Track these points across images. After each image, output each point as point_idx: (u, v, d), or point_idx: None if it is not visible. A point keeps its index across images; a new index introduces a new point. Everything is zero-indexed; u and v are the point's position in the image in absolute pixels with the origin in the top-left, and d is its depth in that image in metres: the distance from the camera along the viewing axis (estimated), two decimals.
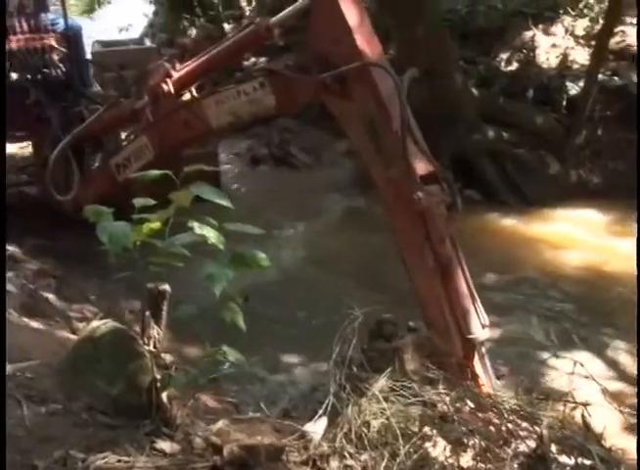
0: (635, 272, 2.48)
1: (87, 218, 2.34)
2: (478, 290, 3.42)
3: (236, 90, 4.28)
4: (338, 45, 3.61)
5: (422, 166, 3.43)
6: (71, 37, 5.95)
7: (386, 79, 3.48)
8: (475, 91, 8.11)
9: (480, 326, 3.40)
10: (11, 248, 5.25)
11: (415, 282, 3.54)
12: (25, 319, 3.59)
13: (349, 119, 3.70)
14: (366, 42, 3.59)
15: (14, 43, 5.83)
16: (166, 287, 2.80)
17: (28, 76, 5.85)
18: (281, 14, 4.21)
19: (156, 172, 2.43)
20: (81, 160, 5.77)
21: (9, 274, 4.30)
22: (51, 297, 4.40)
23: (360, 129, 3.60)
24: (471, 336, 3.37)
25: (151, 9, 12.33)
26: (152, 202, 2.33)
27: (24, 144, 6.90)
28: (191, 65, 4.82)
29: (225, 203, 2.31)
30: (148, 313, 2.77)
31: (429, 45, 7.38)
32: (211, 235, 2.31)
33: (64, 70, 5.93)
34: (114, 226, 2.28)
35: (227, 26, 10.46)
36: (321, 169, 8.45)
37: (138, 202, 2.34)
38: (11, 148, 6.78)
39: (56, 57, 5.91)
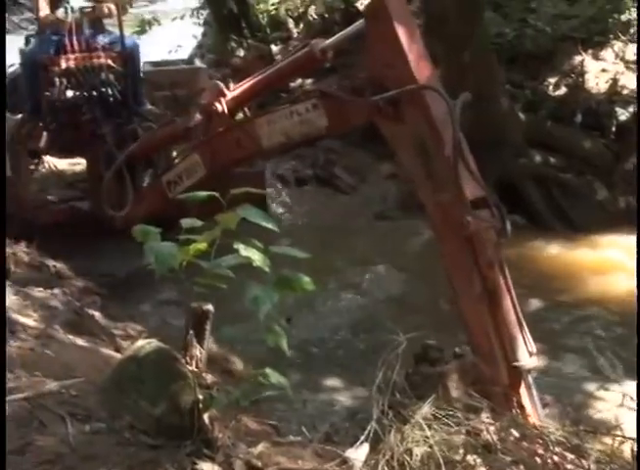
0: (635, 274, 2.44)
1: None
2: (523, 317, 3.37)
3: (289, 111, 4.32)
4: (392, 68, 3.63)
5: (472, 191, 3.40)
6: (128, 56, 6.05)
7: (439, 103, 3.47)
8: (522, 115, 8.05)
9: (528, 354, 3.34)
10: (57, 264, 5.31)
11: (462, 307, 3.51)
12: (71, 336, 3.61)
13: (401, 142, 3.69)
14: (420, 65, 3.60)
15: (71, 61, 5.92)
16: (210, 307, 2.80)
17: (85, 94, 5.93)
18: (335, 36, 4.25)
19: (203, 193, 2.44)
20: (134, 177, 5.84)
21: (55, 291, 4.36)
22: (96, 314, 4.44)
23: (411, 152, 3.59)
24: (518, 364, 3.31)
25: (200, 30, 12.47)
26: (199, 223, 2.35)
27: (74, 161, 6.98)
28: (245, 84, 4.88)
29: (271, 226, 2.32)
30: (191, 333, 2.77)
31: (476, 69, 7.35)
32: (257, 257, 2.31)
33: (119, 88, 6.01)
34: (161, 246, 2.29)
35: (275, 48, 10.55)
36: (365, 191, 8.44)
37: (185, 222, 2.36)
38: (60, 164, 6.87)
39: (112, 75, 6.00)
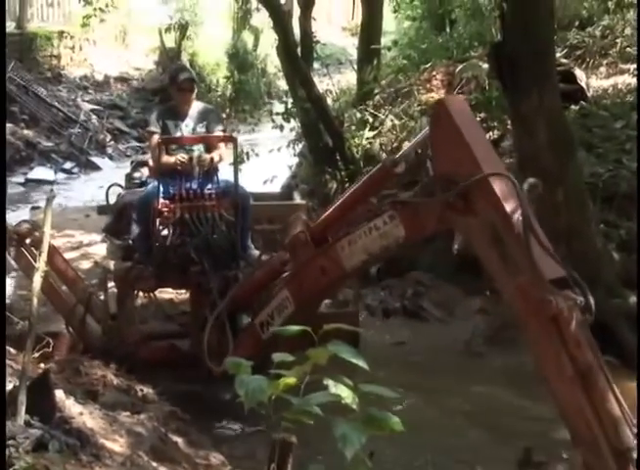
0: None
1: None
2: None
3: (367, 227, 4.43)
4: (459, 164, 3.74)
5: (551, 271, 3.36)
6: (240, 205, 6.01)
7: (507, 188, 3.54)
8: (616, 255, 7.91)
9: (632, 436, 3.17)
10: (144, 388, 5.36)
11: (555, 394, 3.38)
12: (154, 464, 3.60)
13: (475, 235, 3.75)
14: (486, 158, 3.69)
15: (185, 209, 5.98)
16: (293, 439, 2.77)
17: (194, 245, 5.90)
18: (405, 148, 4.39)
19: (295, 328, 2.46)
20: (235, 324, 5.83)
21: (142, 416, 4.38)
22: (180, 441, 4.43)
23: (485, 242, 3.63)
24: (626, 446, 3.13)
25: (294, 160, 12.84)
26: (290, 358, 2.36)
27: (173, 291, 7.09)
28: (327, 211, 4.97)
29: (362, 364, 2.31)
30: (273, 466, 2.73)
31: (569, 207, 7.32)
32: (346, 395, 2.29)
33: (229, 238, 5.97)
34: (251, 380, 2.30)
35: None
36: (453, 326, 8.32)
37: (277, 356, 2.37)
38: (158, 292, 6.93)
39: (224, 225, 5.98)
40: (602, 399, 3.23)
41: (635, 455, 3.16)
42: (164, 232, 6.03)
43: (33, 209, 12.56)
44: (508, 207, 3.50)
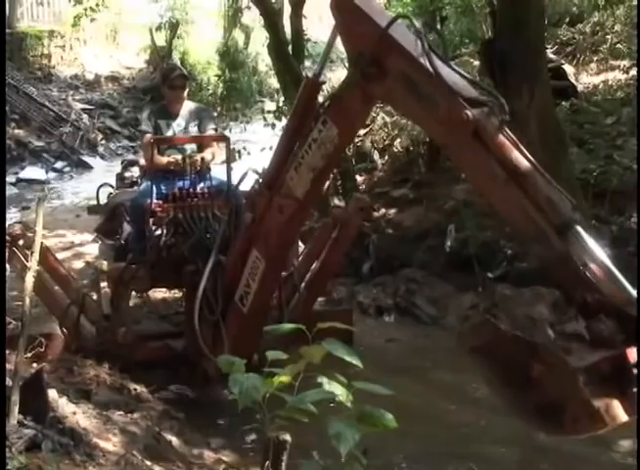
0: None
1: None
2: None
3: (307, 144, 4.53)
4: (365, 37, 4.00)
5: (464, 91, 3.58)
6: (233, 204, 5.90)
7: (407, 37, 3.81)
8: (607, 251, 7.92)
9: (571, 207, 3.34)
10: (138, 387, 5.35)
11: (496, 203, 3.56)
12: (148, 462, 3.60)
13: (393, 92, 3.93)
14: (383, 19, 3.98)
15: (178, 209, 5.96)
16: (287, 437, 2.77)
17: (188, 244, 5.88)
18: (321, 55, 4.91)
19: (288, 326, 2.47)
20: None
21: (135, 415, 4.38)
22: (174, 440, 4.42)
23: (402, 93, 3.81)
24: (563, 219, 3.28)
25: None
26: (284, 356, 2.36)
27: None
28: (273, 155, 5.18)
29: (355, 361, 2.32)
30: (267, 464, 2.73)
31: None
32: (340, 392, 2.30)
33: (223, 237, 5.81)
34: (245, 378, 2.30)
35: (359, 178, 10.74)
36: (446, 322, 8.32)
37: (271, 354, 2.37)
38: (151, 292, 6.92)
39: (217, 225, 5.91)
40: (535, 186, 3.36)
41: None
42: (158, 232, 6.03)
43: (24, 209, 12.53)
44: (411, 49, 3.73)
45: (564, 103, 10.00)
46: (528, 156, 3.46)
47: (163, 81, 6.70)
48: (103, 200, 7.12)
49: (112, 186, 7.30)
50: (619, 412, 2.95)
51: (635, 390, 2.94)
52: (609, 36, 12.22)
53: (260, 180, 5.13)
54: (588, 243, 3.31)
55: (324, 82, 4.90)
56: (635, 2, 10.96)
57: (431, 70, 3.61)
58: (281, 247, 5.09)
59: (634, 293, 3.17)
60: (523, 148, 3.49)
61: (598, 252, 3.31)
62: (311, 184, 4.60)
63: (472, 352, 3.20)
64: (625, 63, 11.19)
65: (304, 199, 4.70)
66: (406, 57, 3.77)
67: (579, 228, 3.33)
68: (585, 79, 11.41)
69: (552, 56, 11.20)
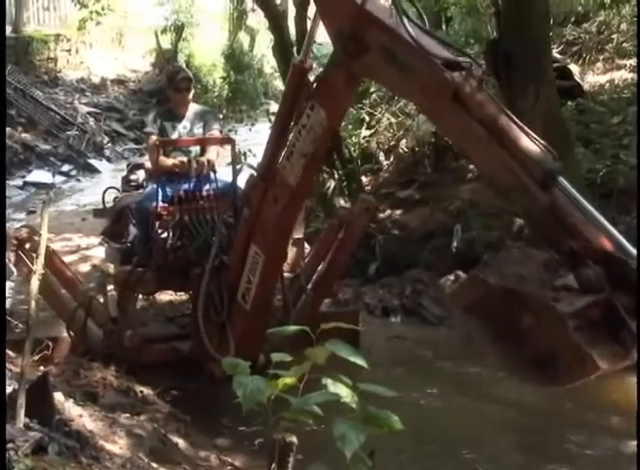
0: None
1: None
2: None
3: (297, 131, 4.54)
4: (343, 15, 4.06)
5: (442, 55, 3.64)
6: (239, 206, 5.85)
7: (381, 6, 3.91)
8: None
9: (551, 157, 3.35)
10: (144, 389, 5.35)
11: (480, 163, 3.67)
12: (154, 465, 3.60)
13: (375, 66, 3.99)
14: None
15: (184, 212, 5.96)
16: (293, 439, 2.77)
17: (194, 247, 5.89)
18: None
19: (293, 328, 2.46)
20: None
21: (142, 417, 4.37)
22: (180, 442, 4.42)
23: (383, 65, 3.87)
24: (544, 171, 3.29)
25: None
26: (289, 357, 2.36)
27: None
28: (267, 145, 5.12)
29: (360, 362, 2.31)
30: (273, 466, 2.72)
31: None
32: (344, 394, 2.29)
33: (229, 239, 5.80)
34: (249, 381, 2.30)
35: (364, 179, 10.74)
36: (452, 323, 8.29)
37: (275, 356, 2.37)
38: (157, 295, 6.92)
39: (224, 227, 5.88)
40: (516, 142, 3.37)
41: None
42: (164, 235, 6.02)
43: (30, 213, 12.54)
44: (387, 20, 3.80)
45: (569, 103, 9.96)
46: (509, 113, 3.49)
47: (169, 84, 6.71)
48: (109, 203, 7.12)
49: (117, 189, 7.30)
50: (613, 357, 2.93)
51: (627, 333, 2.92)
52: (615, 35, 12.18)
53: (255, 174, 5.14)
54: (571, 192, 3.32)
55: (311, 67, 4.90)
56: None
57: (408, 38, 3.66)
58: (279, 238, 5.11)
59: (620, 237, 3.23)
60: (502, 106, 3.54)
61: (581, 200, 3.33)
62: (303, 170, 4.63)
63: (465, 312, 3.20)
64: (632, 62, 11.15)
65: (297, 186, 4.73)
66: (384, 29, 3.83)
67: (562, 179, 3.34)
68: (591, 79, 11.37)
69: (557, 55, 11.16)
